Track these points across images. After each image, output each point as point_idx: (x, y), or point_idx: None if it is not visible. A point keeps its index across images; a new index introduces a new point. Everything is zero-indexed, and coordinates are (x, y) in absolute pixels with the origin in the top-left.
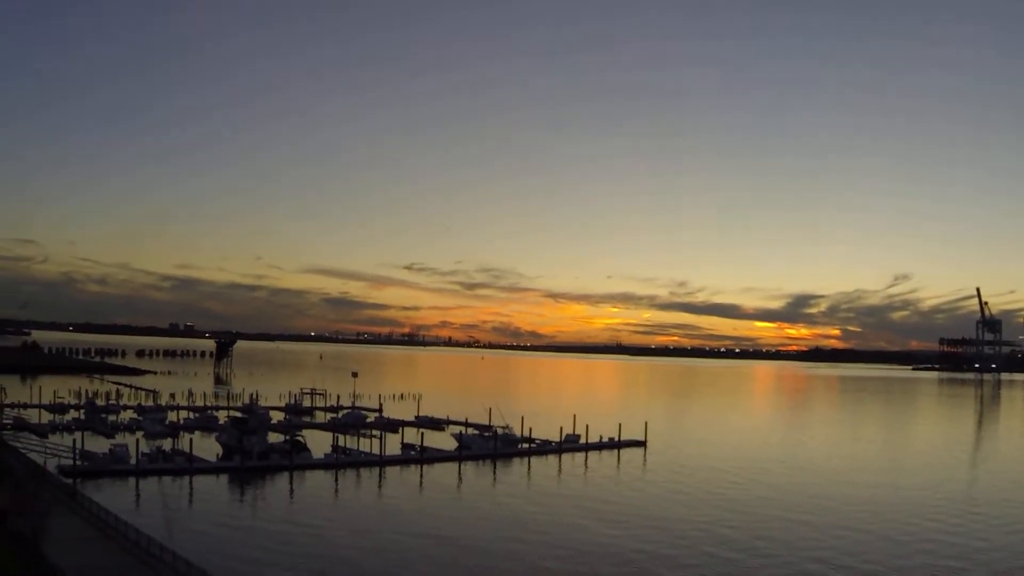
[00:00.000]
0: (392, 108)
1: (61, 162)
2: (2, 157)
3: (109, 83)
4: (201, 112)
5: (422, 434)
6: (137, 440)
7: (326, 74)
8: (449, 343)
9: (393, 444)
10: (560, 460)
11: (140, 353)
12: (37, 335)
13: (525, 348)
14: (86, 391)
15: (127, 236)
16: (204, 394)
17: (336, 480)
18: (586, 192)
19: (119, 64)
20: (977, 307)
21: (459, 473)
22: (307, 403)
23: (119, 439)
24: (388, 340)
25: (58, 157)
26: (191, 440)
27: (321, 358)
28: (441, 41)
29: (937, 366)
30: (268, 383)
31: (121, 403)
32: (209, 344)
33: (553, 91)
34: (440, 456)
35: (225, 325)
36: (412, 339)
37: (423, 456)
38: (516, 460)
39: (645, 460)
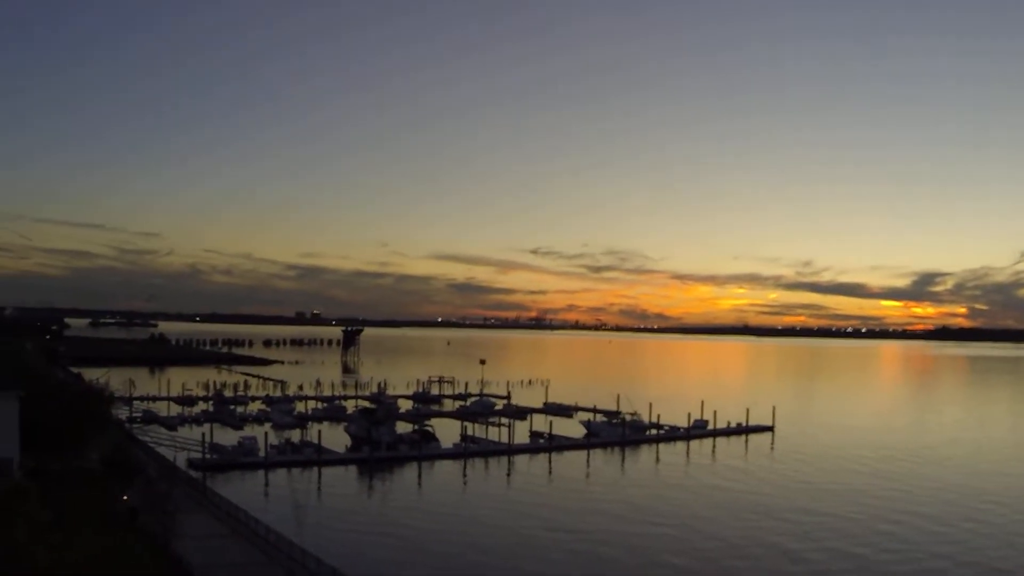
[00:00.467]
0: (517, 94)
1: (185, 156)
2: (127, 153)
3: (234, 77)
4: (323, 101)
5: (551, 422)
6: (266, 432)
7: (451, 61)
8: (576, 327)
9: (521, 432)
10: (688, 447)
11: (267, 343)
12: (164, 326)
13: (652, 331)
14: (214, 383)
15: (250, 226)
16: (332, 383)
17: (464, 470)
18: (711, 173)
19: (242, 58)
20: None
21: (587, 461)
22: (435, 391)
23: (248, 431)
24: (515, 324)
25: (182, 151)
26: (319, 431)
27: (448, 344)
28: (565, 24)
29: None
30: (396, 371)
31: (249, 394)
32: (336, 332)
33: (680, 70)
34: (568, 444)
35: (351, 312)
36: (539, 323)
37: (551, 444)
38: (644, 447)
39: (772, 446)
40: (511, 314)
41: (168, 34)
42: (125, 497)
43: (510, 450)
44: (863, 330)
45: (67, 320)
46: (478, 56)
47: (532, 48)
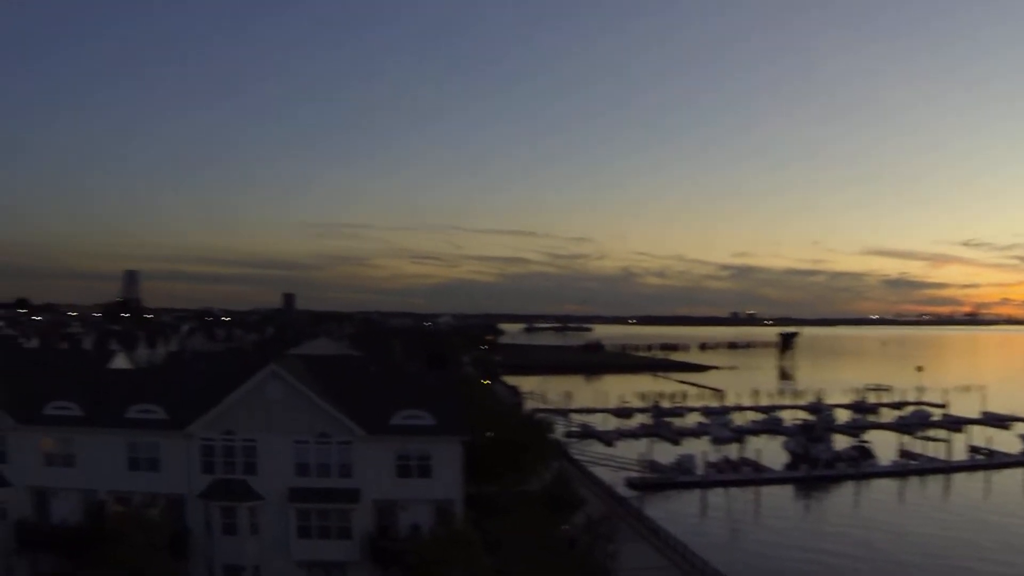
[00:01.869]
0: (948, 88)
1: (608, 161)
2: (552, 161)
3: (652, 87)
4: (755, 109)
5: (989, 436)
6: (703, 449)
7: (884, 65)
8: (1010, 322)
9: (959, 445)
10: None
11: (703, 347)
12: (599, 330)
13: None
14: (650, 393)
15: (681, 227)
16: (769, 392)
17: (901, 489)
18: None
19: (662, 69)
20: None
21: None
22: (871, 399)
23: (685, 446)
24: (949, 321)
25: (602, 159)
26: (757, 446)
27: (883, 345)
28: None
29: None
30: (832, 376)
31: (686, 405)
32: (770, 333)
33: None
34: (1007, 461)
35: (783, 312)
36: (973, 319)
37: (990, 461)
38: None
39: None
40: (944, 309)
41: (593, 47)
42: (565, 526)
43: (948, 467)
44: None
45: (501, 326)
46: (911, 60)
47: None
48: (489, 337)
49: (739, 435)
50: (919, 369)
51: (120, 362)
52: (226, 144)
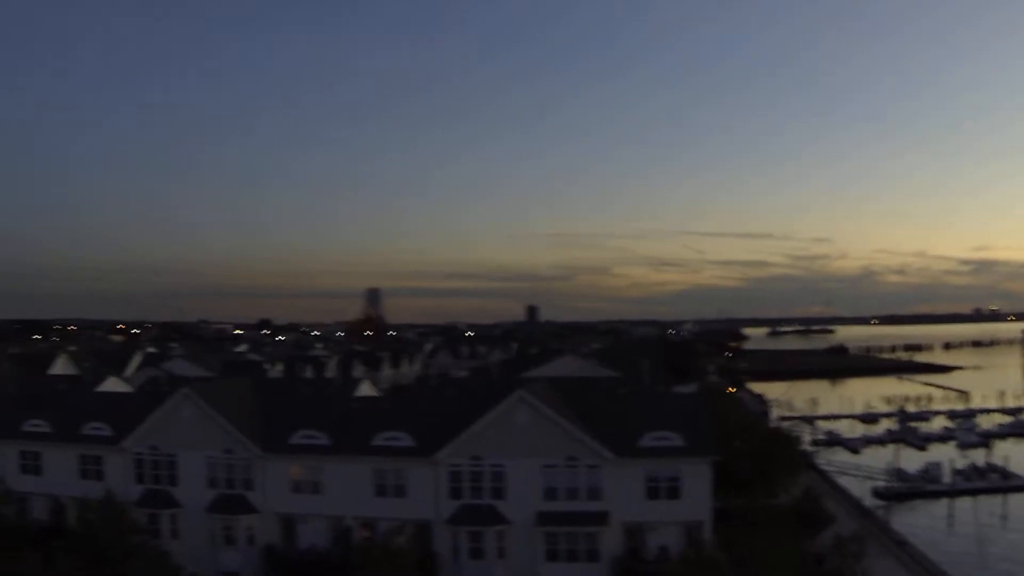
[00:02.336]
0: None
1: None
2: (782, 160)
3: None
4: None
5: None
6: (949, 456)
7: None
8: None
9: None
10: None
11: (947, 346)
12: (841, 331)
13: None
14: (896, 396)
15: (922, 223)
16: (1015, 393)
17: None
18: None
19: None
20: None
21: None
22: None
23: (931, 451)
24: None
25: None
26: (1004, 451)
27: None
28: None
29: None
30: None
31: (931, 408)
32: (1015, 329)
33: None
34: None
35: None
36: None
37: None
38: None
39: None
40: None
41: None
42: (814, 542)
43: None
44: None
45: (744, 331)
46: None
47: None
48: (733, 343)
49: (986, 439)
50: None
51: (366, 389)
52: (469, 157)
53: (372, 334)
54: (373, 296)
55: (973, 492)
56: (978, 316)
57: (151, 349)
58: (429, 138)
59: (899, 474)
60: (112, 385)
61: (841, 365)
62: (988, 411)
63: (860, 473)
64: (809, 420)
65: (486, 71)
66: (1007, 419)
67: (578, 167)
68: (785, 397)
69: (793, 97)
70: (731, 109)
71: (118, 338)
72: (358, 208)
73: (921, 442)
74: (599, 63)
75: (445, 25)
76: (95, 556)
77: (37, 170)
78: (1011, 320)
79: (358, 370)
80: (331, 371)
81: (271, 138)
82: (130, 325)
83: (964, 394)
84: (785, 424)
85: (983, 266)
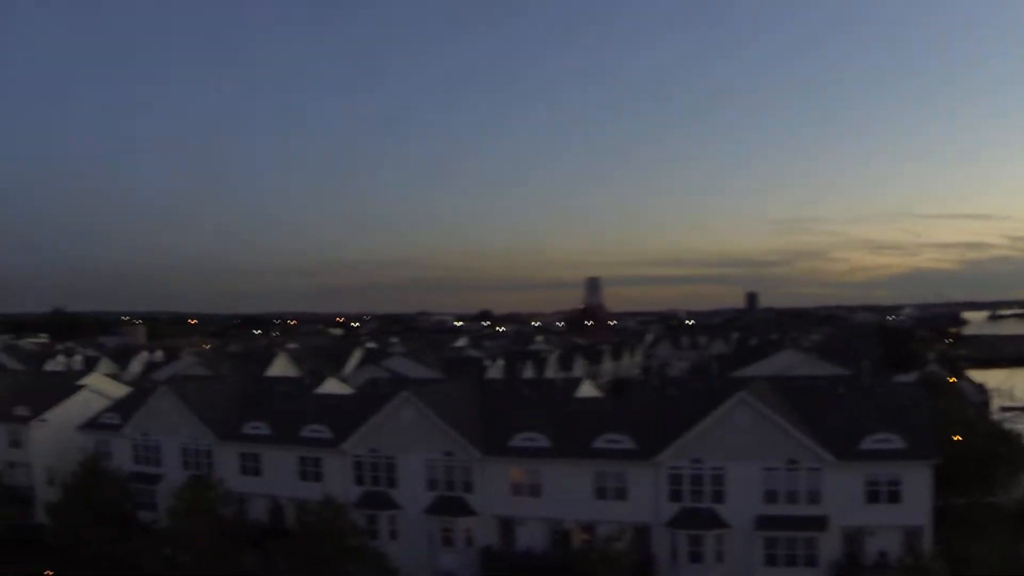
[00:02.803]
0: None
1: None
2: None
3: None
4: None
5: None
6: None
7: None
8: None
9: None
10: None
11: None
12: None
13: None
14: None
15: None
16: None
17: None
18: None
19: None
20: None
21: None
22: None
23: None
24: None
25: None
26: None
27: None
28: None
29: None
30: None
31: None
32: None
33: None
34: None
35: None
36: None
37: None
38: None
39: None
40: None
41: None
42: None
43: None
44: None
45: (964, 315)
46: None
47: None
48: (953, 329)
49: None
50: None
51: (586, 389)
52: (704, 146)
53: (593, 324)
54: (593, 285)
55: None
56: None
57: (371, 344)
58: (665, 135)
59: None
60: (331, 386)
61: None
62: None
63: None
64: None
65: (726, 67)
66: None
67: (804, 155)
68: (1006, 385)
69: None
70: (957, 96)
71: (337, 331)
72: (580, 201)
73: None
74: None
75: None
76: (313, 557)
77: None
78: None
79: (579, 365)
80: (551, 366)
81: (506, 139)
82: (350, 318)
83: None
84: (1006, 414)
85: None
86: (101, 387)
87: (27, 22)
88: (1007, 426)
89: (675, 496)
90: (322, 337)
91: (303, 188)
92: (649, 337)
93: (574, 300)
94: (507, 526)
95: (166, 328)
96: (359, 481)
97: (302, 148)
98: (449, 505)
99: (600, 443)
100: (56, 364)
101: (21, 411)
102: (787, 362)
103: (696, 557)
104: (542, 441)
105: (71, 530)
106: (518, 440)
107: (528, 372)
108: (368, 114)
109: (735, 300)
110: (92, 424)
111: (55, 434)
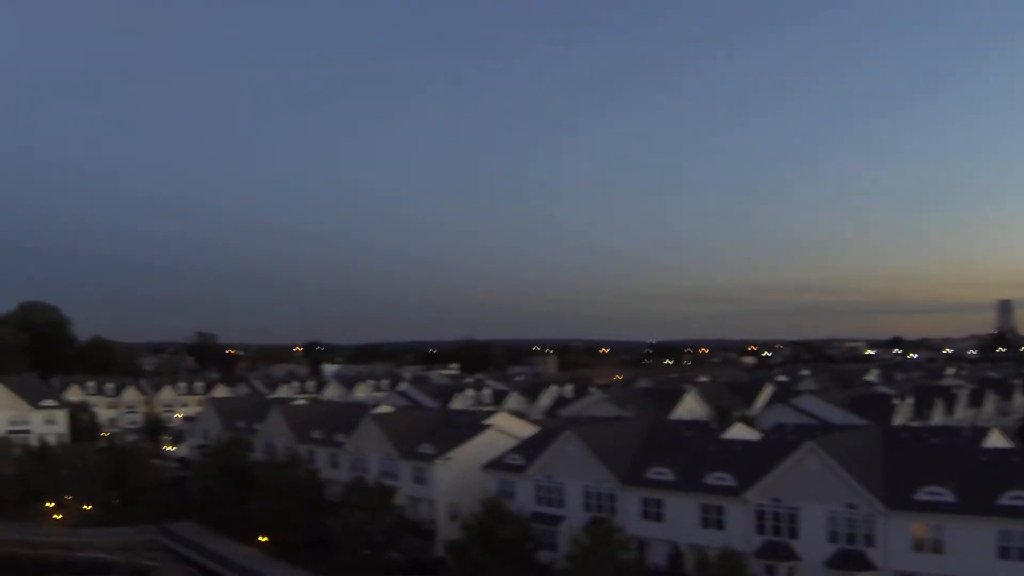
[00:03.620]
0: None
1: None
2: None
3: None
4: None
5: None
6: None
7: None
8: None
9: None
10: None
11: None
12: None
13: None
14: None
15: None
16: None
17: None
18: None
19: None
20: None
21: None
22: None
23: None
24: None
25: None
26: None
27: None
28: None
29: None
30: None
31: None
32: None
33: None
34: None
35: None
36: None
37: None
38: None
39: None
40: None
41: None
42: None
43: None
44: None
45: None
46: None
47: None
48: None
49: None
50: None
51: (994, 438)
52: None
53: (1005, 349)
54: (1005, 307)
55: None
56: None
57: (781, 378)
58: None
59: None
60: (737, 431)
61: None
62: None
63: None
64: None
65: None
66: None
67: None
68: None
69: None
70: None
71: (749, 360)
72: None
73: None
74: None
75: None
76: None
77: None
78: None
79: (990, 401)
80: (961, 403)
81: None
82: (761, 346)
83: None
84: None
85: None
86: (506, 426)
87: None
88: None
89: None
90: (734, 368)
91: (712, 211)
92: None
93: (986, 324)
94: None
95: (578, 357)
96: (760, 530)
97: (710, 173)
98: (849, 559)
99: (1006, 500)
100: (465, 397)
101: (427, 449)
102: None
103: None
104: (946, 495)
105: (471, 567)
106: (922, 494)
107: (938, 410)
108: (773, 139)
109: None
110: (496, 464)
111: (459, 472)
